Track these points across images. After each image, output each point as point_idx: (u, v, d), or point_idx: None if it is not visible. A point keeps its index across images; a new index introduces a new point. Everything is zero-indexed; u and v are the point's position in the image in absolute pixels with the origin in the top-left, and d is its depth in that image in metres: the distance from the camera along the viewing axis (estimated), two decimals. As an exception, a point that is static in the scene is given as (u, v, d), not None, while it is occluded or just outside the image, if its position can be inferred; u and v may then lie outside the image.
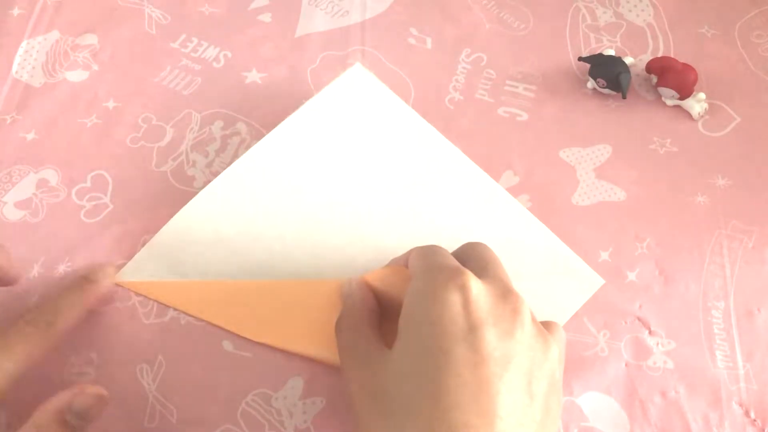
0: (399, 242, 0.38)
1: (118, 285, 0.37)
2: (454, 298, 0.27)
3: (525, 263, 0.37)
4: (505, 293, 0.29)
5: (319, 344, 0.35)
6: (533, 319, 0.29)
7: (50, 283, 0.37)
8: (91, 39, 0.46)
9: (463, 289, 0.27)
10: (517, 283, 0.36)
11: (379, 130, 0.41)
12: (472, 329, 0.27)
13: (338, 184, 0.39)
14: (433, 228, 0.38)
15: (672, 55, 0.45)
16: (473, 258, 0.31)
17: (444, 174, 0.40)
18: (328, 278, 0.37)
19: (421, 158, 0.40)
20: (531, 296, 0.36)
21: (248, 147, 0.41)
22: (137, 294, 0.36)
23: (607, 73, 0.42)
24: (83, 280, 0.35)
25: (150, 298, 0.36)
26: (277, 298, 0.36)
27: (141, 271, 0.37)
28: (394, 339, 0.29)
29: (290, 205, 0.38)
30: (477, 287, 0.28)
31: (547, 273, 0.37)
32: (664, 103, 0.43)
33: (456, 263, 0.29)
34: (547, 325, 0.30)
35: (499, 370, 0.26)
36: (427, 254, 0.30)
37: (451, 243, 0.37)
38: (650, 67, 0.44)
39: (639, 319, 0.37)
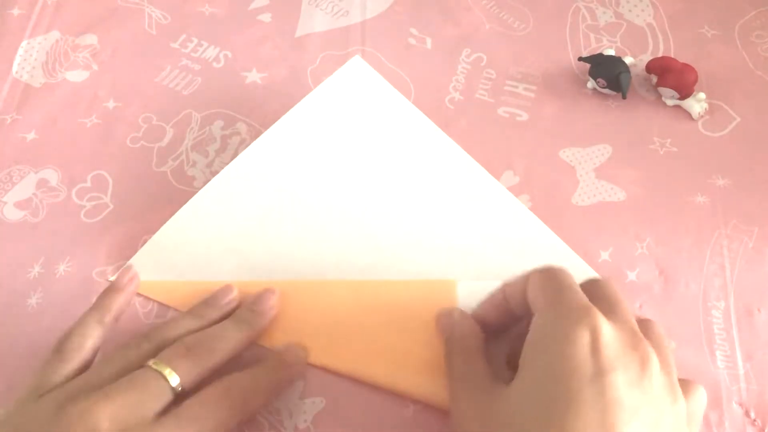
0: (398, 239, 0.38)
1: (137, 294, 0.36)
2: (584, 340, 0.27)
3: (525, 264, 0.37)
4: (634, 340, 0.28)
5: (318, 347, 0.35)
6: (661, 370, 0.28)
7: (50, 283, 0.37)
8: (91, 39, 0.46)
9: (594, 331, 0.27)
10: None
11: (378, 124, 0.40)
12: (601, 373, 0.26)
13: (338, 181, 0.39)
14: (432, 225, 0.38)
15: (672, 55, 0.45)
16: (601, 297, 0.30)
17: (443, 170, 0.40)
18: (327, 279, 0.37)
19: (421, 153, 0.40)
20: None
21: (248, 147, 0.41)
22: (138, 294, 0.36)
23: (607, 73, 0.42)
24: (279, 362, 0.33)
25: (150, 298, 0.36)
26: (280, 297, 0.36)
27: (141, 270, 0.37)
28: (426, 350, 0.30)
29: (289, 203, 0.38)
30: (607, 330, 0.27)
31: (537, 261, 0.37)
32: (664, 103, 0.43)
33: (586, 301, 0.29)
34: (685, 384, 0.29)
35: (627, 417, 0.26)
36: (555, 287, 0.29)
37: (451, 242, 0.38)
38: (650, 67, 0.44)
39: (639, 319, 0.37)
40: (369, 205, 0.39)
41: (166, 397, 0.29)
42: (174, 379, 0.29)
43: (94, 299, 0.36)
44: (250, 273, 0.37)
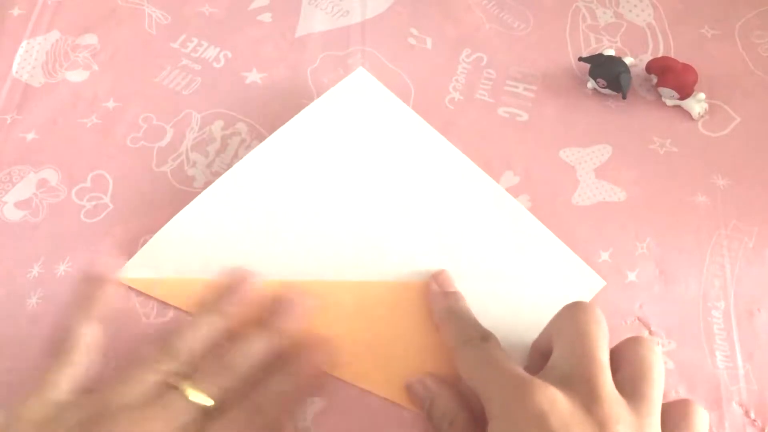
0: (398, 241, 0.38)
1: (118, 283, 0.37)
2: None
3: (525, 264, 0.37)
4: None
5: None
6: None
7: (50, 282, 0.37)
8: (91, 39, 0.46)
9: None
10: (517, 285, 0.37)
11: (381, 132, 0.41)
12: None
13: (340, 186, 0.39)
14: (434, 229, 0.38)
15: (672, 55, 0.45)
16: (631, 362, 0.29)
17: (445, 176, 0.40)
18: (332, 280, 0.37)
19: (423, 161, 0.40)
20: (531, 297, 0.36)
21: (248, 147, 0.41)
22: (138, 294, 0.36)
23: (607, 73, 0.42)
24: (302, 369, 0.32)
25: (151, 296, 0.36)
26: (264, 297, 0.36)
27: (142, 268, 0.37)
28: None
29: (291, 207, 0.39)
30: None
31: (548, 274, 0.37)
32: (664, 103, 0.43)
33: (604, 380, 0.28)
34: (684, 406, 0.29)
35: None
36: (585, 353, 0.28)
37: (452, 244, 0.38)
38: (650, 67, 0.44)
39: (639, 319, 0.37)
40: (369, 208, 0.39)
41: (196, 421, 0.28)
42: (206, 401, 0.29)
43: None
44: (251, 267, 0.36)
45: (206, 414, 0.29)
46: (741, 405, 0.35)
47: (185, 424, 0.28)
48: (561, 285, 0.37)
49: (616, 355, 0.30)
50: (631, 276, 0.38)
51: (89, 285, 0.33)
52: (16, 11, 0.47)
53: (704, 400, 0.35)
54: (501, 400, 0.28)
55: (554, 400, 0.26)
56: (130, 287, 0.36)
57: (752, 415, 0.34)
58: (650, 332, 0.36)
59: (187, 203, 0.38)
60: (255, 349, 0.32)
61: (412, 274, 0.37)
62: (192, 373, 0.30)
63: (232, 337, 0.32)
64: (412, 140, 0.41)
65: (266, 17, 0.47)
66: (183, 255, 0.37)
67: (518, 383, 0.28)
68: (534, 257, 0.38)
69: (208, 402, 0.29)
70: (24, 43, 0.45)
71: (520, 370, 0.29)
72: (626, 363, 0.29)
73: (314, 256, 0.37)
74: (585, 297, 0.37)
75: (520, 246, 0.38)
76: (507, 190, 0.40)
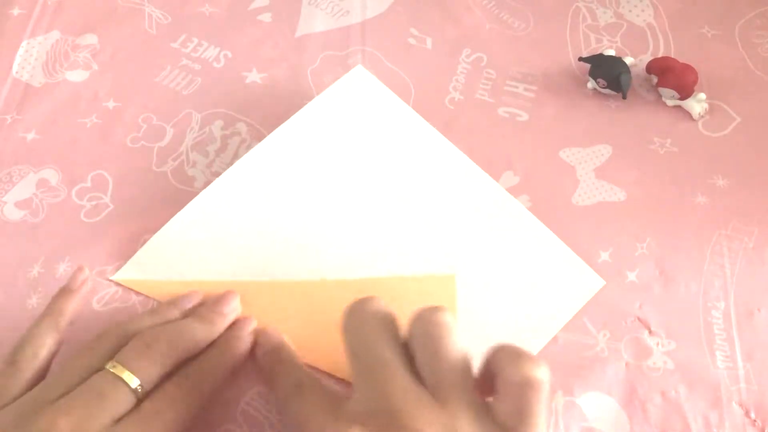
0: (398, 240, 0.38)
1: (117, 284, 0.37)
2: None
3: (525, 264, 0.37)
4: None
5: (318, 348, 0.35)
6: None
7: (50, 282, 0.37)
8: (91, 39, 0.46)
9: None
10: (517, 284, 0.37)
11: (380, 131, 0.41)
12: None
13: (339, 185, 0.39)
14: (433, 229, 0.38)
15: (672, 56, 0.45)
16: (512, 396, 0.26)
17: (445, 175, 0.40)
18: (331, 279, 0.37)
19: (422, 160, 0.40)
20: (531, 297, 0.36)
21: (248, 147, 0.41)
22: (137, 294, 0.36)
23: (608, 73, 0.42)
24: (228, 341, 0.33)
25: (150, 297, 0.36)
26: (278, 297, 0.36)
27: (141, 269, 0.37)
28: None
29: (291, 206, 0.39)
30: None
31: (548, 274, 0.37)
32: (664, 104, 0.43)
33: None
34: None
35: None
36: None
37: (451, 244, 0.38)
38: (650, 68, 0.44)
39: (639, 319, 0.37)
40: (368, 207, 0.39)
41: (127, 400, 0.29)
42: (134, 381, 0.29)
43: (93, 299, 0.36)
44: (250, 273, 0.37)
45: (145, 395, 0.29)
46: (741, 405, 0.35)
47: (122, 408, 0.29)
48: (561, 285, 0.37)
49: (489, 370, 0.27)
50: (631, 276, 0.38)
51: (60, 295, 0.34)
52: (16, 11, 0.47)
53: (704, 400, 0.35)
54: None
55: None
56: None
57: (752, 415, 0.34)
58: (650, 332, 0.36)
59: (187, 203, 0.38)
60: (189, 331, 0.32)
61: (412, 273, 0.37)
62: (130, 359, 0.30)
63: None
64: (411, 138, 0.41)
65: (266, 17, 0.47)
66: (182, 256, 0.37)
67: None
68: (533, 257, 0.38)
69: (137, 382, 0.29)
70: (24, 43, 0.45)
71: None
72: (507, 396, 0.26)
73: (314, 254, 0.37)
74: (584, 297, 0.37)
75: (520, 246, 0.38)
76: (507, 190, 0.40)
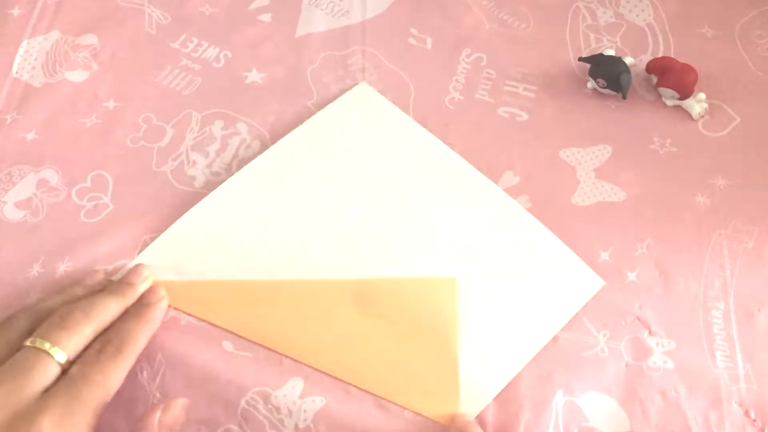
0: (399, 242, 0.38)
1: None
2: None
3: (525, 264, 0.38)
4: None
5: (318, 349, 0.35)
6: None
7: (50, 283, 0.37)
8: (91, 39, 0.46)
9: None
10: (517, 285, 0.37)
11: (383, 141, 0.41)
12: None
13: (342, 192, 0.39)
14: (435, 233, 0.38)
15: (672, 55, 0.45)
16: None
17: (444, 179, 0.40)
18: (331, 279, 0.37)
19: (424, 166, 0.40)
20: (531, 297, 0.36)
21: (248, 147, 0.41)
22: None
23: (608, 73, 0.42)
24: (143, 305, 0.35)
25: None
26: (280, 297, 0.36)
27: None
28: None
29: (295, 210, 0.39)
30: None
31: (547, 274, 0.37)
32: (664, 104, 0.43)
33: None
34: None
35: None
36: None
37: (453, 247, 0.38)
38: (650, 67, 0.44)
39: (639, 319, 0.37)
40: (371, 212, 0.39)
41: (53, 372, 0.30)
42: (58, 354, 0.30)
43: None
44: (252, 274, 0.37)
45: (69, 365, 0.31)
46: (741, 405, 0.35)
47: (49, 379, 0.29)
48: (560, 285, 0.37)
49: None
50: (631, 276, 0.38)
51: (140, 307, 0.35)
52: (16, 11, 0.47)
53: (704, 400, 0.35)
54: None
55: None
56: None
57: (752, 415, 0.34)
58: (650, 332, 0.36)
59: (187, 203, 0.38)
60: (99, 302, 0.33)
61: (413, 275, 0.37)
62: (50, 333, 0.31)
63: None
64: (411, 145, 0.41)
65: (266, 17, 0.47)
66: (187, 256, 0.37)
67: None
68: (533, 258, 0.38)
69: (61, 354, 0.30)
70: (24, 43, 0.45)
71: None
72: None
73: (316, 255, 0.37)
74: (584, 296, 0.37)
75: (519, 247, 0.38)
76: (507, 190, 0.40)
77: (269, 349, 0.35)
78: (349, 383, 0.34)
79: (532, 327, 0.36)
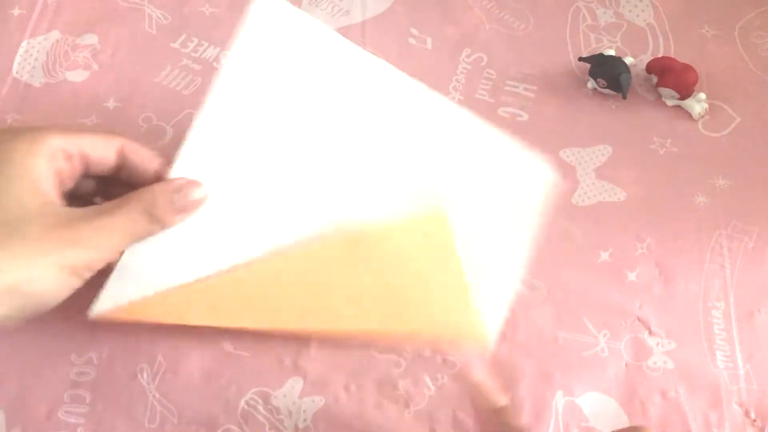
0: (355, 174, 0.36)
1: (96, 320, 0.33)
2: None
3: (475, 165, 0.37)
4: None
5: (320, 311, 0.34)
6: None
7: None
8: (92, 39, 0.46)
9: None
10: (470, 186, 0.36)
11: (311, 63, 0.36)
12: None
13: (289, 138, 0.36)
14: (386, 153, 0.36)
15: (672, 55, 0.45)
16: None
17: (384, 95, 0.37)
18: (312, 242, 0.35)
19: (358, 84, 0.37)
20: (502, 205, 0.36)
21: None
22: (124, 323, 0.34)
23: (608, 73, 0.42)
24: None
25: (132, 322, 0.34)
26: (271, 273, 0.34)
27: (118, 296, 0.33)
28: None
29: (259, 171, 0.35)
30: None
31: (499, 171, 0.37)
32: (664, 103, 0.43)
33: None
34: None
35: None
36: None
37: (403, 164, 0.36)
38: (650, 68, 0.44)
39: (639, 319, 0.37)
40: (321, 146, 0.36)
41: None
42: None
43: (92, 299, 0.36)
44: (234, 254, 0.34)
45: None
46: (741, 405, 0.35)
47: None
48: (512, 180, 0.37)
49: None
50: (631, 276, 0.38)
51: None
52: (16, 11, 0.47)
53: (704, 400, 0.35)
54: None
55: None
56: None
57: (752, 415, 0.34)
58: (650, 332, 0.36)
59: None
60: None
61: (391, 207, 0.36)
62: None
63: None
64: (341, 65, 0.37)
65: (266, 17, 0.47)
66: (157, 265, 0.34)
67: None
68: (482, 156, 0.37)
69: None
70: (24, 43, 0.45)
71: None
72: None
73: (291, 212, 0.35)
74: (539, 190, 0.36)
75: (468, 149, 0.37)
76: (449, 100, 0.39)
77: (269, 347, 0.35)
78: (348, 385, 0.34)
79: (512, 233, 0.36)
